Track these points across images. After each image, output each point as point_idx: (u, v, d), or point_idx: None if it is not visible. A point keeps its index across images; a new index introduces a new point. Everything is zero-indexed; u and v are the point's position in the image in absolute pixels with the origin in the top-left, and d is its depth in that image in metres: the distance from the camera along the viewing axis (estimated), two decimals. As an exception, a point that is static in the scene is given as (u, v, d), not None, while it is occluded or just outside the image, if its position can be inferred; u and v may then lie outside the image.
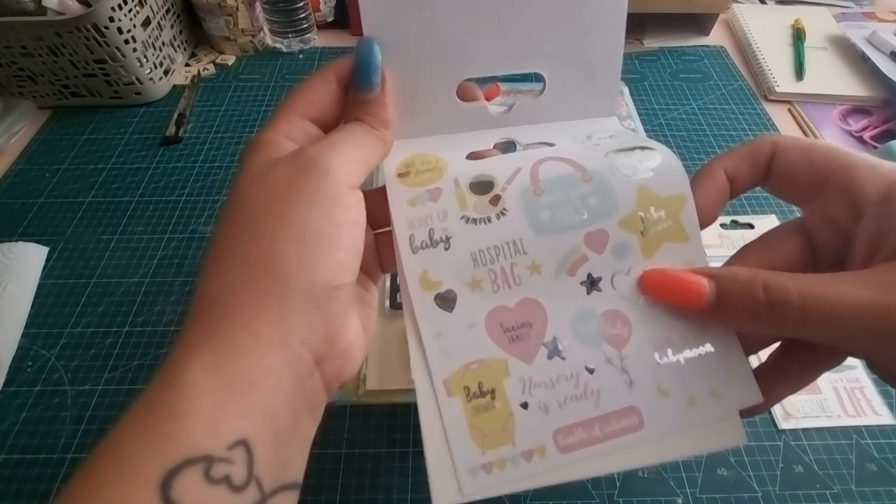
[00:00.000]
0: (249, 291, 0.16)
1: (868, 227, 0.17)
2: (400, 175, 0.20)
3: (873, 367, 0.18)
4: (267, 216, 0.16)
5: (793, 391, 0.20)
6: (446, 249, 0.19)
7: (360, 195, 0.19)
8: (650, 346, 0.19)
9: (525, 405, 0.18)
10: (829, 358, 0.19)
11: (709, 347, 0.19)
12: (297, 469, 0.16)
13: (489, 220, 0.19)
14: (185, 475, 0.13)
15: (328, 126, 0.20)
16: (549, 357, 0.19)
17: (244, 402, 0.15)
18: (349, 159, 0.18)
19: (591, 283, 0.20)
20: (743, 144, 0.20)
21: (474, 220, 0.20)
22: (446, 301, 0.19)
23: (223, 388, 0.15)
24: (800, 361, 0.20)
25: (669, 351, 0.19)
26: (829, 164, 0.18)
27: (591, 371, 0.19)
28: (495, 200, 0.20)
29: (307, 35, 0.61)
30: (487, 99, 0.23)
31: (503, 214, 0.20)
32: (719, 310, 0.17)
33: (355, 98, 0.19)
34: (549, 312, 0.19)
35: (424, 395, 0.18)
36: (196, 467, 0.13)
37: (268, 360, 0.15)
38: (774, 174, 0.19)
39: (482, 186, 0.20)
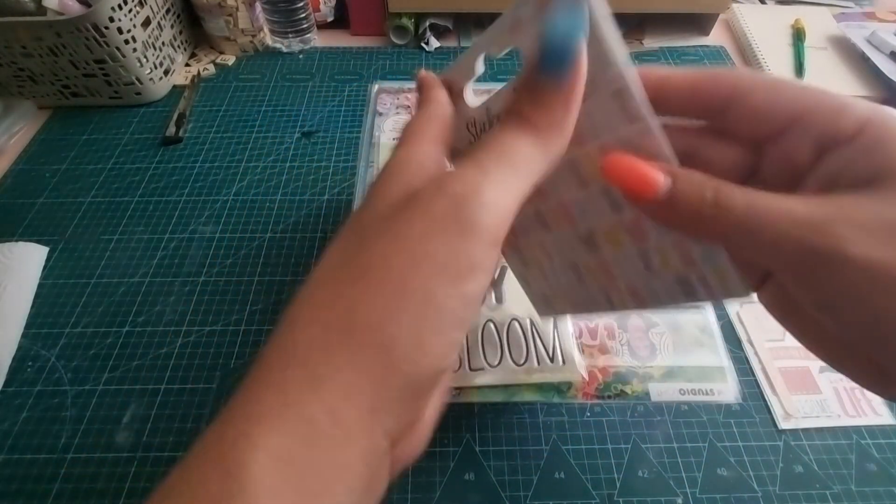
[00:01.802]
0: (345, 363, 0.13)
1: (828, 166, 0.16)
2: None
3: (779, 296, 0.18)
4: (386, 275, 0.13)
5: None
6: None
7: (500, 247, 0.15)
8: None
9: None
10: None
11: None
12: None
13: None
14: None
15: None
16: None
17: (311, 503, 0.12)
18: (502, 202, 0.14)
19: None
20: (700, 73, 0.18)
21: None
22: None
23: (293, 494, 0.11)
24: None
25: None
26: (798, 105, 0.17)
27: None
28: None
29: (307, 35, 0.61)
30: None
31: None
32: (669, 205, 0.16)
33: (532, 85, 0.15)
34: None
35: None
36: None
37: (347, 457, 0.12)
38: (735, 118, 0.18)
39: None
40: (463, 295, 0.14)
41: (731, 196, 0.15)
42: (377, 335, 0.13)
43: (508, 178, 0.14)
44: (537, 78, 0.15)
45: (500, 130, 0.15)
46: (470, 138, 0.22)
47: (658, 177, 0.16)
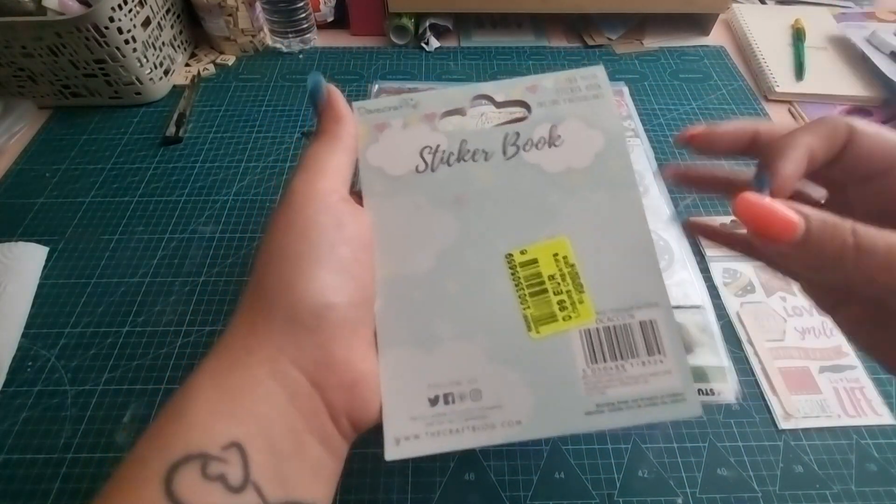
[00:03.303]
0: (248, 312, 0.18)
1: None
2: None
3: None
4: (264, 248, 0.19)
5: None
6: None
7: (345, 211, 0.20)
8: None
9: None
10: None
11: None
12: (308, 491, 0.17)
13: None
14: (185, 471, 0.14)
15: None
16: None
17: (236, 407, 0.16)
18: (314, 178, 0.20)
19: None
20: (818, 122, 0.19)
21: None
22: None
23: (218, 393, 0.16)
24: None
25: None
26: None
27: None
28: None
29: (307, 35, 0.61)
30: None
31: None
32: (805, 246, 0.16)
33: (316, 115, 0.23)
34: None
35: None
36: (194, 463, 0.15)
37: (256, 373, 0.17)
38: (848, 159, 0.18)
39: None
40: (310, 242, 0.18)
41: (872, 239, 0.15)
42: (260, 287, 0.18)
43: (311, 165, 0.20)
44: (314, 109, 0.22)
45: (305, 148, 0.22)
46: (419, 164, 0.22)
47: (796, 218, 0.16)
